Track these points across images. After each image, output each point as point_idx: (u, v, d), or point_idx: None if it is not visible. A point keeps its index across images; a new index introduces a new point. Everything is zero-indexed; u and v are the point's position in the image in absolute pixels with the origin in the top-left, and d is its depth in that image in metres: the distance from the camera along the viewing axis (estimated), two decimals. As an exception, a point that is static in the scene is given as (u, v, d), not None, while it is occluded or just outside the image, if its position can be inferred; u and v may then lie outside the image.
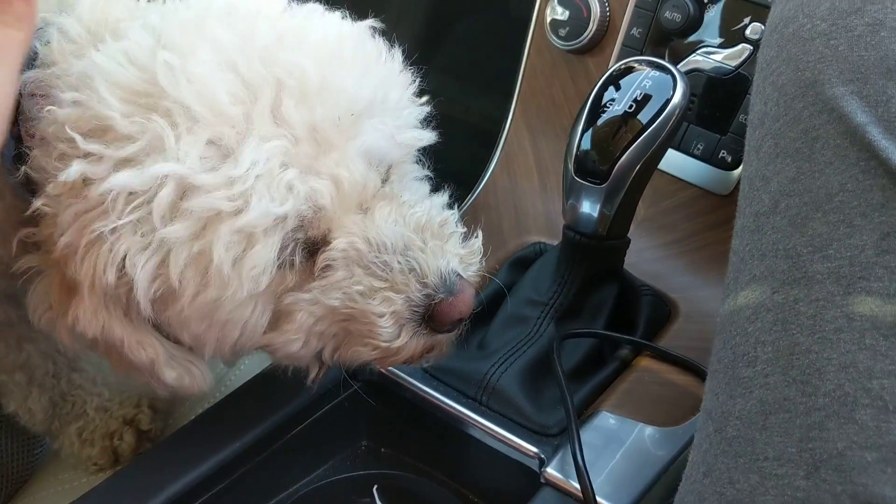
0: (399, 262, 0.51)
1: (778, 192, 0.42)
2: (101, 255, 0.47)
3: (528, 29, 0.84)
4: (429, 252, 0.52)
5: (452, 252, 0.54)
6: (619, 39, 0.77)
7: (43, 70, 0.51)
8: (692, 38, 0.73)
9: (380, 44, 0.55)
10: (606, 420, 0.60)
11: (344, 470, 0.68)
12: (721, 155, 0.72)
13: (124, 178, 0.45)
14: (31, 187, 0.52)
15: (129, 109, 0.46)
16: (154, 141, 0.46)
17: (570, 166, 0.64)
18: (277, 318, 0.53)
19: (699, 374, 0.63)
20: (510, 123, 0.85)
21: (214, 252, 0.46)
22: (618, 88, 0.64)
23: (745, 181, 0.46)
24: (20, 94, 0.51)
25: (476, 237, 0.57)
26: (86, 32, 0.52)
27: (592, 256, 0.66)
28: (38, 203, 0.49)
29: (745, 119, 0.69)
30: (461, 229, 0.57)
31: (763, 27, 0.68)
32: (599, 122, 0.63)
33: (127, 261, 0.47)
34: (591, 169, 0.63)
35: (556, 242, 0.73)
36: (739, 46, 0.70)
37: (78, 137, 0.46)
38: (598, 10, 0.77)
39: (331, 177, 0.49)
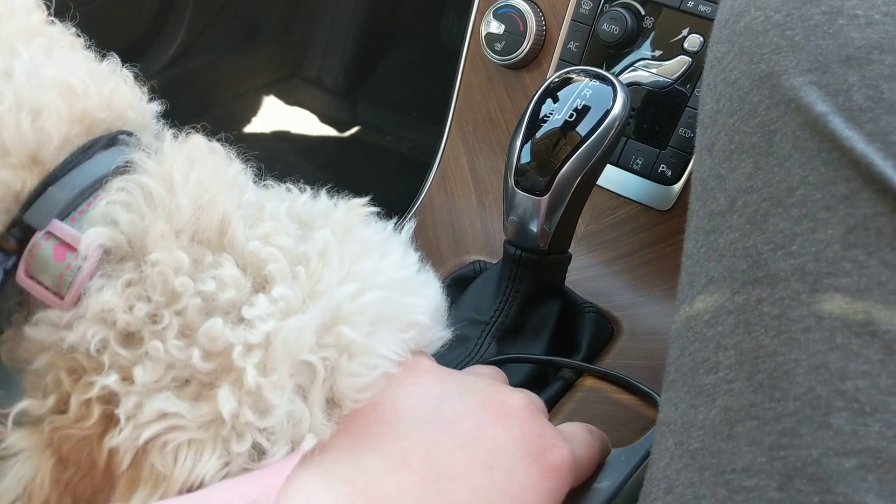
0: None
1: (735, 189, 0.40)
2: (191, 458, 0.39)
3: (463, 44, 0.82)
4: None
5: None
6: (556, 54, 0.76)
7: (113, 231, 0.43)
8: (630, 52, 0.72)
9: None
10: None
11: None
12: (661, 169, 0.71)
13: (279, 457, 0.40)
14: None
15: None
16: None
17: (510, 180, 0.62)
18: None
19: (644, 396, 0.61)
20: (446, 140, 0.82)
21: None
22: (556, 100, 0.62)
23: (698, 182, 0.44)
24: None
25: None
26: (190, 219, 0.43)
27: (534, 272, 0.64)
28: (107, 381, 0.40)
29: (685, 132, 0.69)
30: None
31: (701, 39, 0.68)
32: (538, 134, 0.61)
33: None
34: (531, 181, 0.61)
35: (495, 261, 0.70)
36: (678, 59, 0.69)
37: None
38: (535, 24, 0.76)
39: None
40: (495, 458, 0.42)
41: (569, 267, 0.67)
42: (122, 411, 0.39)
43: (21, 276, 0.43)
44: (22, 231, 0.44)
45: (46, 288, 0.43)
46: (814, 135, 0.37)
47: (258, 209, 0.45)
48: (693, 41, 0.68)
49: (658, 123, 0.71)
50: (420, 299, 0.47)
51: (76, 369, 0.41)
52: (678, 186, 0.70)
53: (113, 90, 0.48)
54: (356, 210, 0.48)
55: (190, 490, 0.39)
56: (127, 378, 0.40)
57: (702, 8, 0.68)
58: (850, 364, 0.33)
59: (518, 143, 0.62)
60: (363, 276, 0.44)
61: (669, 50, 0.70)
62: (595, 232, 0.73)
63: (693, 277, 0.42)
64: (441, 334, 0.49)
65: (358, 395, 0.42)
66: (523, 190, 0.61)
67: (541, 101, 0.62)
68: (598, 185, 0.72)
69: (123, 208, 0.43)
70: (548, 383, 0.64)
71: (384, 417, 0.42)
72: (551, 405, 0.62)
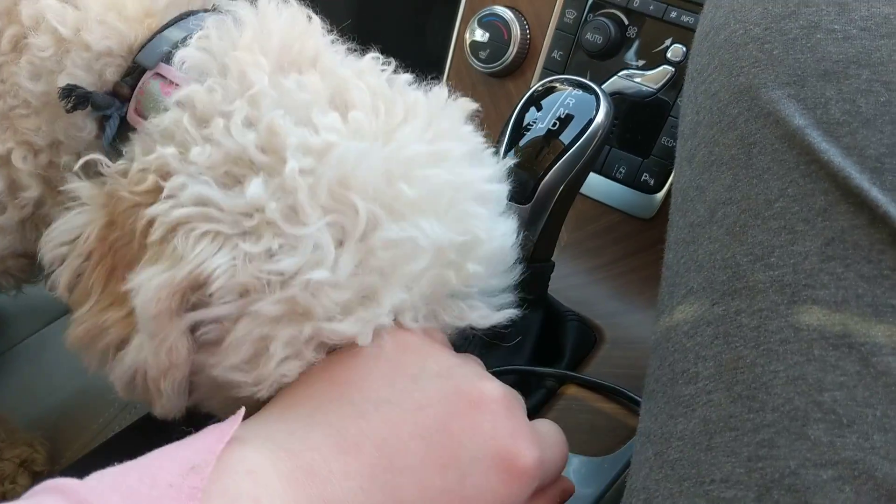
0: None
1: (714, 201, 0.40)
2: (208, 250, 0.40)
3: (448, 52, 0.82)
4: None
5: None
6: (540, 62, 0.76)
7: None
8: (613, 61, 0.72)
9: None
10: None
11: None
12: (644, 178, 0.71)
13: (288, 264, 0.40)
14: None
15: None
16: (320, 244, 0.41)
17: (494, 188, 0.62)
18: None
19: (628, 401, 0.61)
20: (430, 148, 0.82)
21: (272, 346, 0.41)
22: (539, 109, 0.62)
23: (678, 193, 0.44)
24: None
25: None
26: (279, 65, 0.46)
27: (517, 281, 0.64)
28: (165, 151, 0.43)
29: (668, 141, 0.69)
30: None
31: (684, 49, 0.68)
32: (522, 142, 0.62)
33: (217, 281, 0.40)
34: (514, 189, 0.61)
35: (478, 269, 0.70)
36: (661, 68, 0.69)
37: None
38: (519, 32, 0.76)
39: None
40: (454, 456, 0.40)
41: (552, 275, 0.67)
42: (168, 185, 0.41)
43: (132, 115, 0.48)
44: (134, 78, 0.49)
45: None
46: (792, 147, 0.37)
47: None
48: (676, 51, 0.69)
49: (641, 132, 0.71)
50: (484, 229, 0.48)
51: (148, 144, 0.45)
52: (661, 195, 0.70)
53: None
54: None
55: (191, 274, 0.40)
56: (184, 155, 0.42)
57: (685, 18, 0.68)
58: (828, 376, 0.34)
59: (502, 151, 0.62)
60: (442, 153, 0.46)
61: (653, 59, 0.70)
62: (578, 240, 0.73)
63: (673, 288, 0.42)
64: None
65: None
66: (507, 198, 0.61)
67: (524, 110, 0.62)
68: (582, 194, 0.72)
69: (217, 32, 0.48)
70: (530, 392, 0.64)
71: (347, 393, 0.40)
72: (534, 414, 0.62)
